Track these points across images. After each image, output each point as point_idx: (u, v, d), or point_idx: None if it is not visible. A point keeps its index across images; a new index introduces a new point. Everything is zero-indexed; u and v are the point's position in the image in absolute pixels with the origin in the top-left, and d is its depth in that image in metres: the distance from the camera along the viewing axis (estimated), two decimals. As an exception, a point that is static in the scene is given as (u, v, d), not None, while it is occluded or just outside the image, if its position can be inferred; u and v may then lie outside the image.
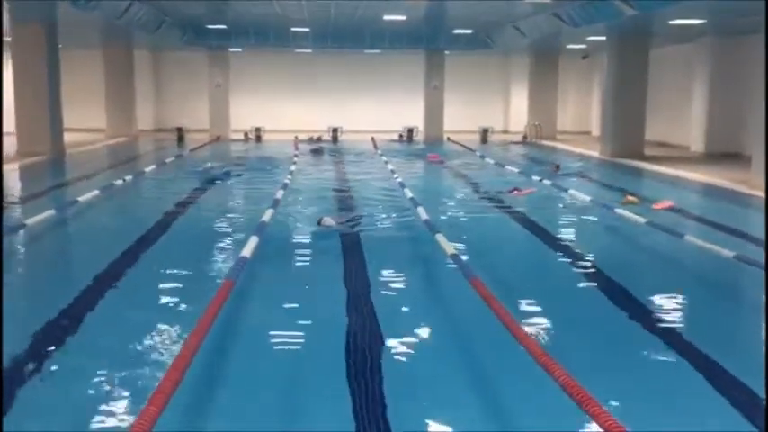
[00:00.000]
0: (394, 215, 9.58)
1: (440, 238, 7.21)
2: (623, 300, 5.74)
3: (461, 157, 18.23)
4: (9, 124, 17.51)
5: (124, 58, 23.85)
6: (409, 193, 10.84)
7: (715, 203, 11.57)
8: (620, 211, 9.37)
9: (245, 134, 23.93)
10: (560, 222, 9.59)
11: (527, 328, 4.59)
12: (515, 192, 11.32)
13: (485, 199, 11.17)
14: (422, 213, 8.82)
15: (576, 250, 7.69)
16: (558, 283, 6.54)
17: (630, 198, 10.42)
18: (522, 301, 5.55)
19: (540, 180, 12.85)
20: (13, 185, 12.62)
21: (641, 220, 8.65)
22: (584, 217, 9.74)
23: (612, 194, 11.54)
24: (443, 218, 9.41)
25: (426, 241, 7.62)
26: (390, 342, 4.65)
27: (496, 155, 18.98)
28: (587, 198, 10.70)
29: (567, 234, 8.88)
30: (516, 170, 14.82)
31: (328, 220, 8.39)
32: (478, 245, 7.91)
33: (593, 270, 6.78)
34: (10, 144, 16.90)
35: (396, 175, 13.43)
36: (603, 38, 18.44)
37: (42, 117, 16.44)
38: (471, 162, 17.20)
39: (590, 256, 7.30)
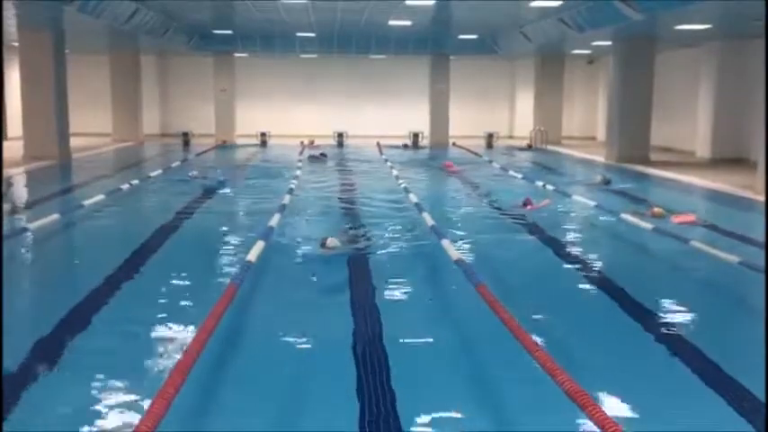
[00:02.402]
0: (406, 234, 8.57)
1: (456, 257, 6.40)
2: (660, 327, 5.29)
3: (475, 166, 17.18)
4: (17, 129, 17.65)
5: (130, 62, 23.94)
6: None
7: (729, 211, 11.09)
8: (644, 223, 8.85)
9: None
10: (595, 241, 9.00)
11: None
12: (529, 206, 10.42)
13: (512, 218, 9.96)
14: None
15: (615, 278, 6.77)
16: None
17: (657, 210, 9.88)
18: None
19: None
20: (20, 189, 12.68)
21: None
22: (612, 232, 9.28)
23: (639, 206, 10.79)
24: (475, 255, 7.78)
25: (446, 271, 6.57)
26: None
27: (512, 164, 17.82)
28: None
29: (604, 257, 7.96)
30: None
31: (333, 242, 7.46)
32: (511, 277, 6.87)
33: (622, 293, 6.18)
34: (17, 148, 17.02)
35: (401, 182, 13.13)
36: (609, 42, 18.43)
37: (49, 122, 16.53)
38: (489, 172, 16.07)
39: (623, 278, 6.64)
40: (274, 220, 8.55)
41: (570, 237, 9.03)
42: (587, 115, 28.64)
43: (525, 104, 27.44)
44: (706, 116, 19.10)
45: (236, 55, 25.24)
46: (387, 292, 6.19)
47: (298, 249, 7.68)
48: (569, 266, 7.32)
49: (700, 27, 15.53)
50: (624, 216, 9.40)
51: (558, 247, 8.15)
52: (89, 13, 13.75)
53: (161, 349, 4.75)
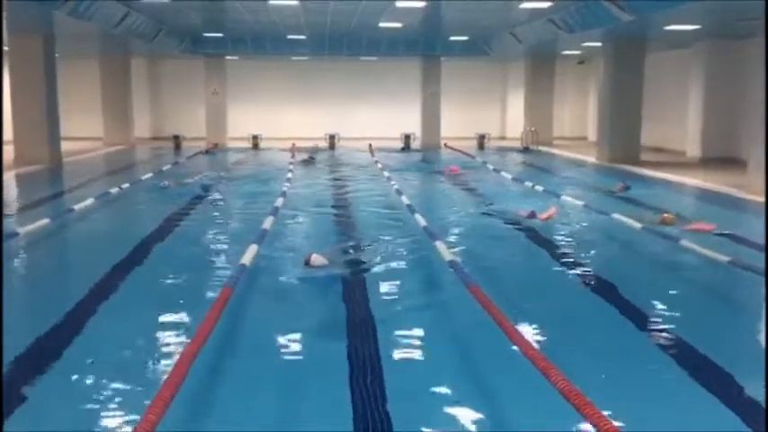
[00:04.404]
0: (402, 246, 7.79)
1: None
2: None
3: (473, 170, 16.34)
4: (7, 133, 17.57)
5: (121, 66, 23.90)
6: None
7: (734, 214, 10.58)
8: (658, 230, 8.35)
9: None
10: (611, 250, 8.36)
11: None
12: (537, 217, 9.48)
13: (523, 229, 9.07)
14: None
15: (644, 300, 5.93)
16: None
17: (667, 216, 9.32)
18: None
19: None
20: (10, 194, 12.61)
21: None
22: (628, 242, 8.61)
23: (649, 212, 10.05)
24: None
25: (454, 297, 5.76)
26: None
27: (514, 169, 17.22)
28: (624, 218, 9.20)
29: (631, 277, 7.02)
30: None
31: (319, 259, 6.57)
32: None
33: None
34: (7, 152, 16.92)
35: (395, 186, 12.89)
36: (599, 43, 18.50)
37: (40, 126, 16.46)
38: (489, 177, 15.27)
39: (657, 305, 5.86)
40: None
41: (587, 244, 8.55)
42: (578, 116, 28.74)
43: (516, 105, 27.51)
44: (696, 116, 19.21)
45: (228, 58, 25.21)
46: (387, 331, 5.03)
47: (279, 268, 6.79)
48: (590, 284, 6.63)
49: (689, 28, 15.61)
50: (619, 218, 9.09)
51: (579, 260, 7.53)
52: (79, 16, 13.71)
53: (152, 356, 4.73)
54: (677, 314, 5.62)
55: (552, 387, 3.43)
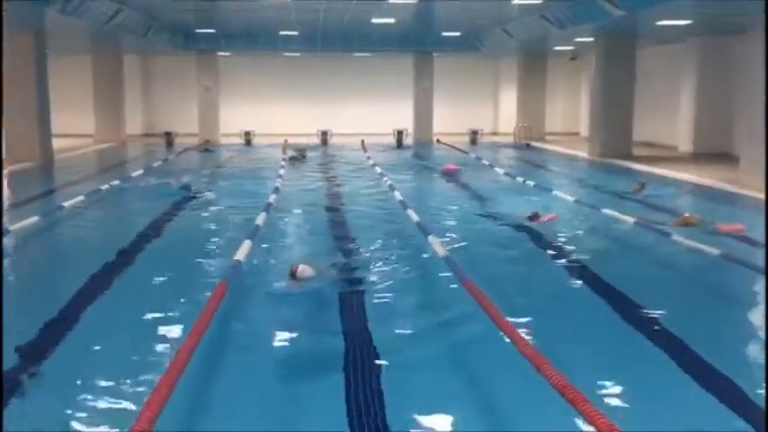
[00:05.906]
0: (397, 250, 7.37)
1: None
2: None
3: (471, 168, 15.96)
4: None
5: (113, 62, 23.79)
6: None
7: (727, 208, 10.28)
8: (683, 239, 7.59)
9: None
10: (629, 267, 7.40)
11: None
12: (540, 218, 9.06)
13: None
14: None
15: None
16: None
17: (688, 217, 8.71)
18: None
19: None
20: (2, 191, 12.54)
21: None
22: (647, 249, 8.01)
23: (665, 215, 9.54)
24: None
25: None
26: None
27: (508, 164, 16.95)
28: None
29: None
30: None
31: (306, 270, 6.00)
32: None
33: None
34: None
35: (388, 183, 12.89)
36: (591, 39, 18.54)
37: (31, 123, 16.37)
38: (484, 175, 14.80)
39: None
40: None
41: (613, 249, 8.14)
42: (570, 111, 28.80)
43: (508, 101, 27.53)
44: (688, 111, 19.27)
45: (220, 54, 25.13)
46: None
47: (264, 280, 6.27)
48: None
49: (680, 23, 15.64)
50: (641, 221, 8.59)
51: (588, 265, 6.98)
52: (70, 13, 13.63)
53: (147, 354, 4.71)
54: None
55: (549, 384, 3.45)
